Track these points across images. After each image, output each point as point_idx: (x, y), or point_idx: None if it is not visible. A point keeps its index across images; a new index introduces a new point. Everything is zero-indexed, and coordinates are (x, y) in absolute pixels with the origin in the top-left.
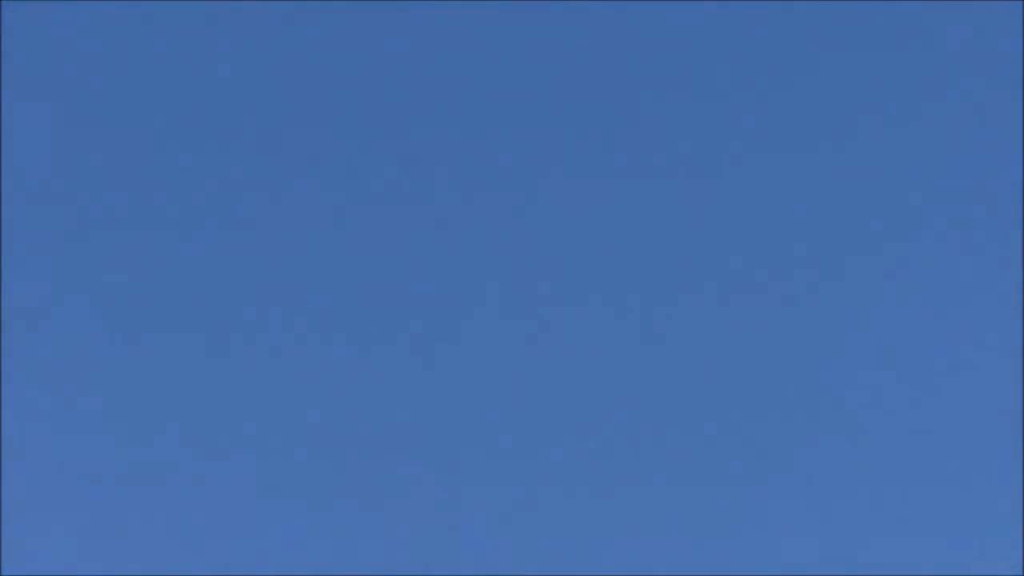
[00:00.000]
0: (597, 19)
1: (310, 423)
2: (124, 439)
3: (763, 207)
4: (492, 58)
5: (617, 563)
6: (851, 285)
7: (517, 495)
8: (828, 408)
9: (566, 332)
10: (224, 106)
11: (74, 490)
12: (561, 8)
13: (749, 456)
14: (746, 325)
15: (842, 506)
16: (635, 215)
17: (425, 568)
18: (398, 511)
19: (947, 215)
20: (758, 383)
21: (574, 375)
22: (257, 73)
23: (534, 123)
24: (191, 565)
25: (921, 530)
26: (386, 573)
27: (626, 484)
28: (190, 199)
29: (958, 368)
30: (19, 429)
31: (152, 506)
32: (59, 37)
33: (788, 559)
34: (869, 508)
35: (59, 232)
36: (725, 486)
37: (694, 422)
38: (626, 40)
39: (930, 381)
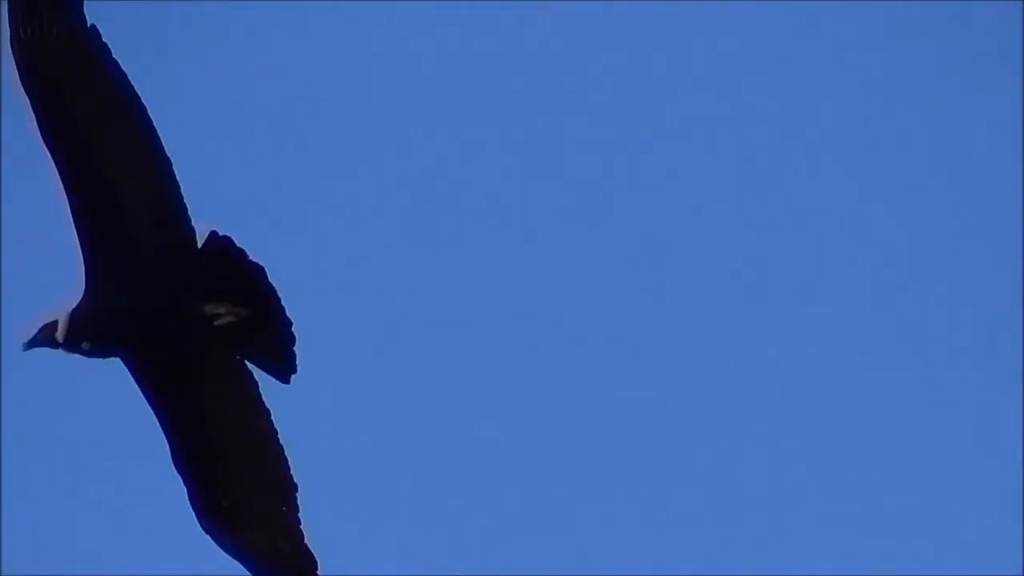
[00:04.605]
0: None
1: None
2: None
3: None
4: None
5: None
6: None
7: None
8: (830, 407)
9: None
10: (223, 105)
11: (76, 490)
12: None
13: (750, 454)
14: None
15: (843, 506)
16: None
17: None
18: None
19: (947, 216)
20: (757, 379)
21: None
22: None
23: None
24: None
25: (921, 530)
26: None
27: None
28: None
29: (958, 368)
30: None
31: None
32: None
33: (789, 558)
34: (870, 508)
35: (58, 233)
36: (727, 484)
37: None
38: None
39: (931, 381)
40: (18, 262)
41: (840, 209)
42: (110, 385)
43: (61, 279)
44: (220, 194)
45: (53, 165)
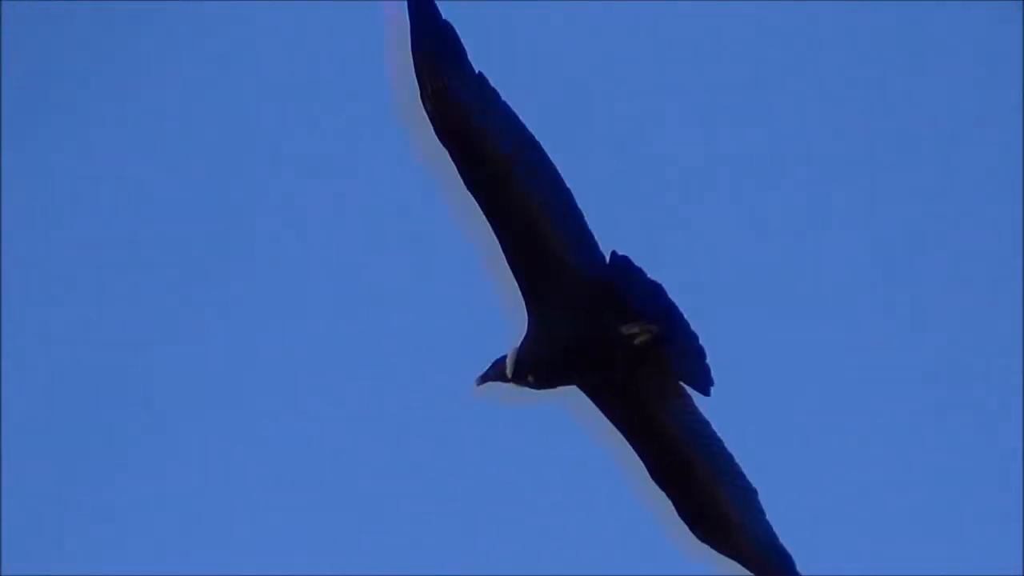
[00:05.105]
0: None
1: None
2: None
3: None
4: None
5: None
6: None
7: None
8: (830, 407)
9: None
10: (225, 104)
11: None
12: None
13: (749, 454)
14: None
15: (843, 506)
16: None
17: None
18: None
19: (948, 218)
20: (755, 379)
21: None
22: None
23: None
24: (193, 564)
25: (921, 530)
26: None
27: None
28: (192, 198)
29: (958, 367)
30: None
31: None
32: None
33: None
34: (870, 508)
35: (59, 237)
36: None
37: None
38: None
39: (930, 381)
40: (18, 262)
41: (841, 209)
42: (110, 388)
43: (60, 278)
44: (220, 193)
45: (478, 213)
